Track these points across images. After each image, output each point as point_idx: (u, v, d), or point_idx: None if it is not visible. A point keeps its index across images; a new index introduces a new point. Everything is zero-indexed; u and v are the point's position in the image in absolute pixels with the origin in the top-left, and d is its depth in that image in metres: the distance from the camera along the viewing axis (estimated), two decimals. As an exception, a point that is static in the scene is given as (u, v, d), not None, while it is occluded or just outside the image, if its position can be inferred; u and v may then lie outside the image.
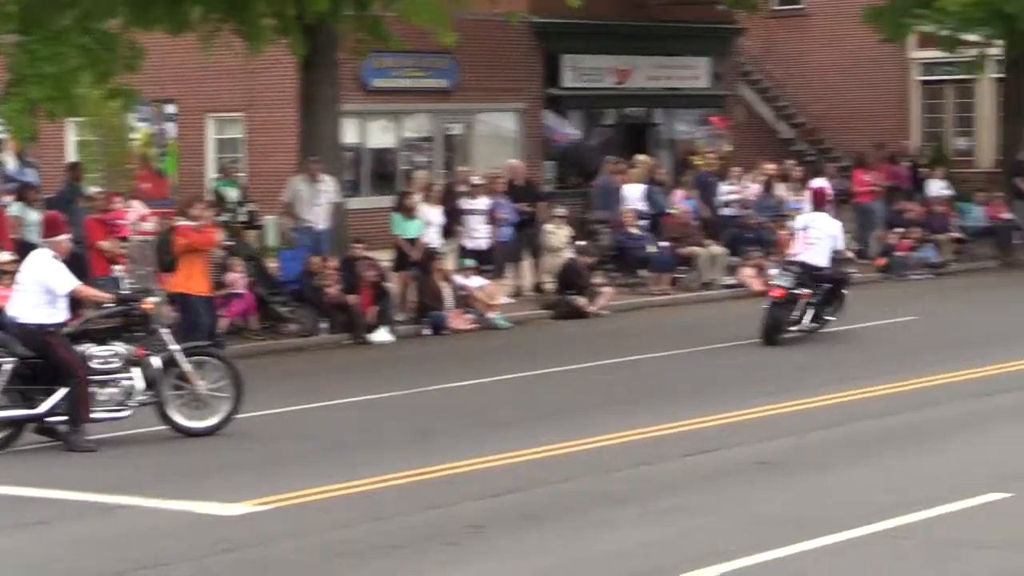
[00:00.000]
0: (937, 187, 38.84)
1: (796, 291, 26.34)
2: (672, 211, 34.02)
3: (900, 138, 46.14)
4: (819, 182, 34.33)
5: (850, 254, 30.14)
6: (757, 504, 14.59)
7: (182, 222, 23.19)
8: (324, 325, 26.88)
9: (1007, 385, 20.76)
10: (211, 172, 36.38)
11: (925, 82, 50.91)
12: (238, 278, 26.19)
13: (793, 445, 17.19)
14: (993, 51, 40.94)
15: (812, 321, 26.68)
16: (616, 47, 41.44)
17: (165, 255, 23.73)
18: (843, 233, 28.67)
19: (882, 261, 35.56)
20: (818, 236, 27.08)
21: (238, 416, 18.24)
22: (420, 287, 28.27)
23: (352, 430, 18.96)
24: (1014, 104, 41.30)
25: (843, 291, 27.64)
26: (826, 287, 26.89)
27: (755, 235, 34.44)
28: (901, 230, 36.14)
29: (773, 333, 26.05)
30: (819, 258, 26.91)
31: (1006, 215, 38.69)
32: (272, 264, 29.10)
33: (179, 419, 17.91)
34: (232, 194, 31.63)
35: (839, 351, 24.94)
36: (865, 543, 13.00)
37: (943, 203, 38.14)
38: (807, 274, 26.43)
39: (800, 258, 26.88)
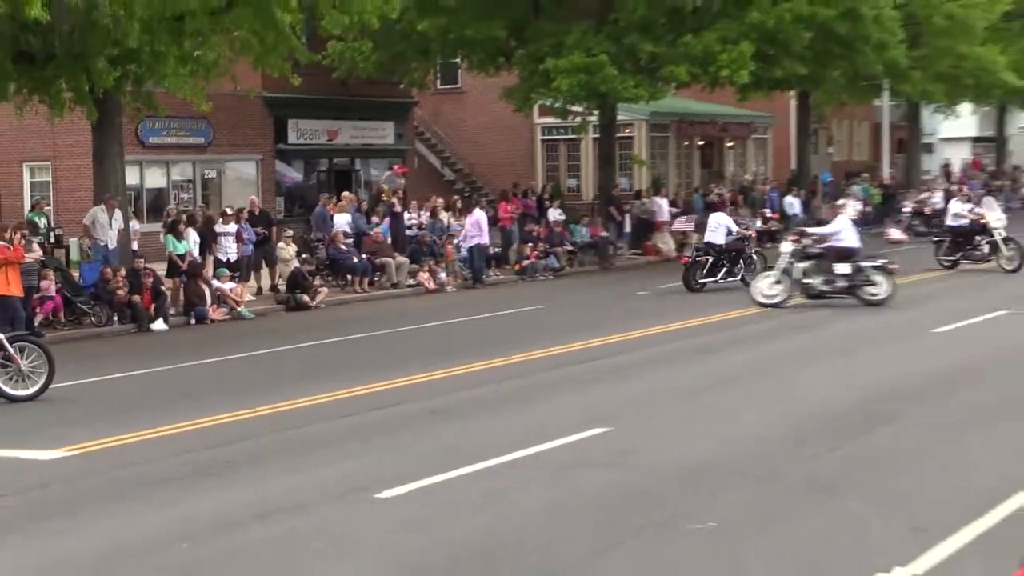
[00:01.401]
0: (555, 214, 39.42)
1: (697, 259, 31.50)
2: (370, 232, 34.04)
3: (529, 179, 46.80)
4: (477, 212, 34.83)
5: (748, 232, 33.86)
6: (434, 439, 14.59)
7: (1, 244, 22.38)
8: (115, 319, 26.30)
9: (603, 353, 21.11)
10: (26, 206, 35.31)
11: (545, 140, 51.70)
12: (49, 284, 25.57)
13: (457, 399, 17.22)
14: (592, 118, 41.70)
15: (724, 277, 31.16)
16: (327, 114, 41.36)
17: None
18: (733, 223, 32.87)
19: (519, 266, 35.94)
20: (716, 226, 31.87)
21: (51, 386, 17.81)
22: (187, 289, 27.87)
23: (137, 395, 18.51)
24: (606, 155, 42.23)
25: (743, 257, 31.71)
26: (730, 255, 31.39)
27: (428, 249, 34.63)
28: (531, 244, 36.59)
29: (689, 284, 30.94)
30: (718, 239, 31.52)
31: (603, 233, 39.54)
32: (75, 273, 28.40)
33: (6, 389, 17.50)
34: (42, 222, 31.67)
35: (497, 326, 25.06)
36: (506, 467, 13.07)
37: (560, 225, 38.72)
38: (712, 249, 31.38)
39: (706, 240, 32.01)
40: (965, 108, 68.22)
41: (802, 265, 26.47)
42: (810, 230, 28.68)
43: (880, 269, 26.24)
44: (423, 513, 11.46)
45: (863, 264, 26.29)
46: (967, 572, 9.45)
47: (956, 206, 34.82)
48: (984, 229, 33.00)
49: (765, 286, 26.70)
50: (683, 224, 41.17)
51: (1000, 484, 11.85)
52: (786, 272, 26.54)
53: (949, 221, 34.59)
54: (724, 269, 31.24)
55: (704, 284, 31.06)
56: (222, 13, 26.43)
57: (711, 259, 31.30)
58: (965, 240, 33.42)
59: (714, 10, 37.38)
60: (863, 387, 17.30)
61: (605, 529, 10.77)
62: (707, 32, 36.98)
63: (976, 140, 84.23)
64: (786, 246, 27.16)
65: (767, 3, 37.15)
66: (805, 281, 26.39)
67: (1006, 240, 32.60)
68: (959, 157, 76.96)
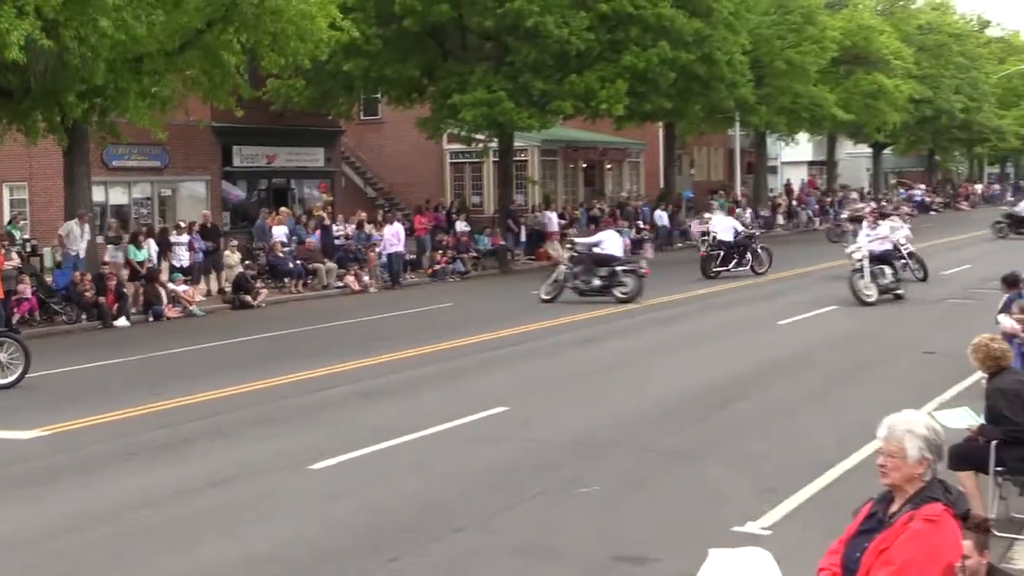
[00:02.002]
0: (462, 225, 39.29)
1: (711, 252, 33.02)
2: (305, 241, 33.80)
3: (439, 196, 46.73)
4: (396, 224, 34.72)
5: (753, 231, 35.95)
6: (361, 417, 14.52)
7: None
8: (83, 317, 25.79)
9: (504, 343, 21.09)
10: (6, 220, 34.55)
11: (453, 163, 51.57)
12: (26, 288, 25.00)
13: (381, 383, 17.15)
14: (492, 144, 41.70)
15: (735, 267, 32.63)
16: (266, 141, 40.92)
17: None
18: (740, 224, 35.21)
19: (431, 270, 35.83)
20: (726, 227, 33.57)
21: (28, 376, 17.52)
22: (146, 291, 27.41)
23: (103, 382, 18.16)
24: (504, 176, 42.18)
25: (750, 250, 33.14)
26: (739, 249, 32.83)
27: (354, 255, 34.40)
28: (441, 251, 36.49)
29: (706, 273, 32.37)
30: (728, 237, 33.07)
31: (502, 242, 39.49)
32: (48, 278, 27.86)
33: (-11, 378, 17.10)
34: (18, 235, 31.19)
35: (413, 321, 24.95)
36: (422, 441, 13.06)
37: (466, 235, 38.63)
38: (723, 245, 32.96)
39: (719, 238, 33.14)
40: (802, 137, 69.24)
41: (574, 269, 27.71)
42: (578, 240, 29.80)
43: (631, 272, 27.21)
44: (351, 481, 11.41)
45: (618, 268, 27.22)
46: (808, 525, 9.59)
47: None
48: (750, 241, 34.16)
49: (547, 286, 27.80)
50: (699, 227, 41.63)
51: (835, 449, 12.05)
52: (560, 275, 27.77)
53: (720, 236, 35.08)
54: (734, 260, 33.06)
55: (719, 272, 32.66)
56: (176, 55, 26.26)
57: (723, 253, 33.04)
58: (735, 252, 33.69)
59: (594, 54, 37.59)
60: (721, 370, 17.49)
61: (506, 492, 10.80)
62: (588, 72, 37.21)
63: (811, 163, 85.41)
64: (564, 254, 28.70)
65: (638, 48, 37.43)
66: (575, 282, 27.50)
67: (764, 249, 34.11)
68: (798, 177, 77.95)
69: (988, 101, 77.50)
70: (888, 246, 27.10)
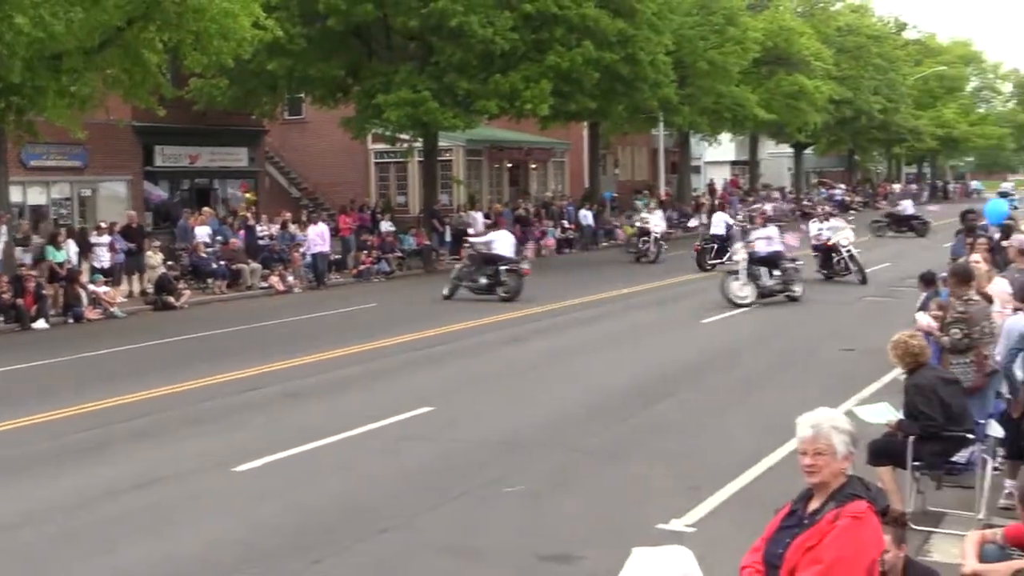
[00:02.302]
0: (387, 225, 39.18)
1: (705, 246, 35.08)
2: (229, 242, 33.50)
3: (364, 196, 46.52)
4: (320, 224, 34.56)
5: (736, 228, 35.87)
6: (287, 418, 14.45)
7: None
8: (1, 319, 25.33)
9: (429, 343, 21.08)
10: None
11: (378, 162, 51.38)
12: (-58, 289, 24.57)
13: (306, 384, 17.06)
14: (417, 144, 41.61)
15: (730, 260, 30.79)
16: (189, 140, 40.43)
17: None
18: (730, 219, 37.36)
19: (356, 271, 35.69)
20: (718, 222, 36.07)
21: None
22: (66, 292, 26.98)
23: (22, 385, 17.80)
24: (429, 176, 42.17)
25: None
26: (733, 242, 32.09)
27: (278, 256, 34.18)
28: (366, 251, 36.36)
29: (702, 266, 34.39)
30: (720, 230, 35.28)
31: (427, 242, 39.43)
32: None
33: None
34: None
35: (339, 321, 24.85)
36: (348, 442, 13.03)
37: (390, 235, 38.52)
38: (716, 239, 35.09)
39: (712, 232, 35.42)
40: (725, 137, 69.89)
41: (468, 267, 28.65)
42: (472, 240, 30.60)
43: (512, 272, 27.95)
44: (276, 483, 11.35)
45: (502, 267, 27.94)
46: (731, 521, 9.71)
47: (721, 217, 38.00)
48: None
49: (445, 288, 28.55)
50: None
51: (757, 446, 12.20)
52: (456, 275, 28.79)
53: (713, 230, 36.32)
54: (728, 253, 33.39)
55: (714, 265, 33.96)
56: (95, 53, 25.87)
57: (716, 246, 34.88)
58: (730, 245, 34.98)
59: (518, 54, 37.66)
60: (645, 369, 17.63)
61: (432, 493, 10.80)
62: (513, 72, 37.27)
63: (734, 163, 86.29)
64: (464, 253, 29.70)
65: (562, 48, 37.57)
66: (466, 282, 28.36)
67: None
68: (721, 177, 78.70)
69: (905, 102, 78.88)
70: (776, 247, 26.72)
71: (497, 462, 11.92)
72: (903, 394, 9.83)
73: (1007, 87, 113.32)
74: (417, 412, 14.44)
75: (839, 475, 5.33)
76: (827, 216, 30.09)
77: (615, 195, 59.12)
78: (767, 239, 26.72)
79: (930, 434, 9.39)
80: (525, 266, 28.98)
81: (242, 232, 34.62)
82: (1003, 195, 79.91)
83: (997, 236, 18.93)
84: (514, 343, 21.13)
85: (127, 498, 10.84)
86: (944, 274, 14.38)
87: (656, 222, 39.78)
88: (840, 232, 29.88)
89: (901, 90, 77.08)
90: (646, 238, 38.89)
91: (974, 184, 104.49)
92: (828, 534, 5.17)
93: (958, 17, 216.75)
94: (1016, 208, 56.86)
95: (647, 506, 10.23)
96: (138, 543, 9.50)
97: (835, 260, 30.16)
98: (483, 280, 28.14)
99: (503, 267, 28.02)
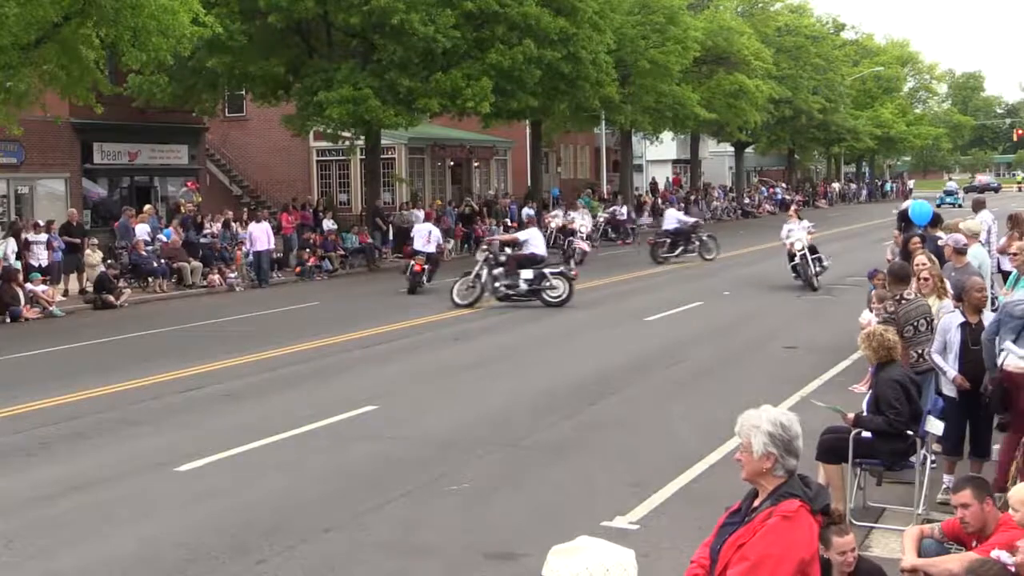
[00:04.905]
0: (329, 224, 38.97)
1: (658, 240, 36.34)
2: (170, 240, 33.19)
3: (306, 194, 46.28)
4: (262, 222, 34.32)
5: (696, 220, 39.47)
6: (228, 418, 14.32)
7: None
8: (-64, 318, 24.97)
9: (372, 341, 21.00)
10: None
11: (319, 160, 51.16)
12: None
13: (249, 383, 16.92)
14: (359, 142, 41.49)
15: (680, 254, 35.88)
16: (128, 138, 40.02)
17: None
18: (685, 216, 39.48)
19: (298, 269, 35.49)
20: (669, 218, 37.70)
21: None
22: (2, 291, 26.59)
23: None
24: (372, 174, 42.04)
25: (692, 238, 36.36)
26: (686, 237, 36.26)
27: (219, 254, 33.91)
28: (309, 250, 36.15)
29: (656, 258, 35.58)
30: (672, 225, 36.85)
31: (370, 240, 39.29)
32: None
33: None
34: None
35: (281, 320, 24.67)
36: (291, 441, 12.95)
37: (333, 233, 38.31)
38: (668, 234, 36.42)
39: (664, 228, 36.87)
40: (667, 135, 70.26)
41: (493, 271, 25.96)
42: (498, 238, 28.56)
43: (560, 275, 25.94)
44: (218, 482, 11.24)
45: (546, 271, 25.96)
46: (675, 518, 9.74)
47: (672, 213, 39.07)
48: (695, 230, 37.30)
49: (462, 289, 26.00)
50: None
51: (700, 443, 12.26)
52: (478, 277, 26.03)
53: (666, 226, 37.52)
54: (680, 248, 36.20)
55: (667, 258, 35.61)
56: (32, 49, 25.54)
57: (669, 240, 36.19)
58: (682, 240, 36.67)
59: (460, 52, 37.64)
60: (589, 366, 17.66)
61: (376, 490, 10.75)
62: (454, 70, 37.26)
63: (676, 162, 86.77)
64: (480, 254, 27.09)
65: (504, 46, 37.61)
66: (495, 285, 25.90)
67: (710, 237, 37.28)
68: (663, 176, 79.12)
69: (844, 102, 79.72)
70: (532, 250, 26.38)
71: (441, 460, 11.88)
72: (874, 388, 9.73)
73: (942, 88, 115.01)
74: (361, 411, 14.37)
75: (763, 473, 5.29)
76: (798, 217, 28.75)
77: (560, 192, 59.28)
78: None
79: (896, 431, 9.33)
80: (572, 268, 27.39)
81: (179, 228, 34.20)
82: (948, 193, 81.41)
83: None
84: (458, 341, 21.07)
85: (64, 501, 10.68)
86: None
87: (581, 221, 40.17)
88: (793, 234, 28.42)
89: (840, 90, 77.89)
90: (571, 238, 38.76)
91: (911, 184, 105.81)
92: (758, 532, 5.16)
93: (895, 18, 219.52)
94: (960, 206, 57.40)
95: (591, 503, 10.24)
96: (76, 546, 9.36)
97: (793, 264, 28.38)
98: (523, 285, 25.68)
99: (549, 270, 26.03)
